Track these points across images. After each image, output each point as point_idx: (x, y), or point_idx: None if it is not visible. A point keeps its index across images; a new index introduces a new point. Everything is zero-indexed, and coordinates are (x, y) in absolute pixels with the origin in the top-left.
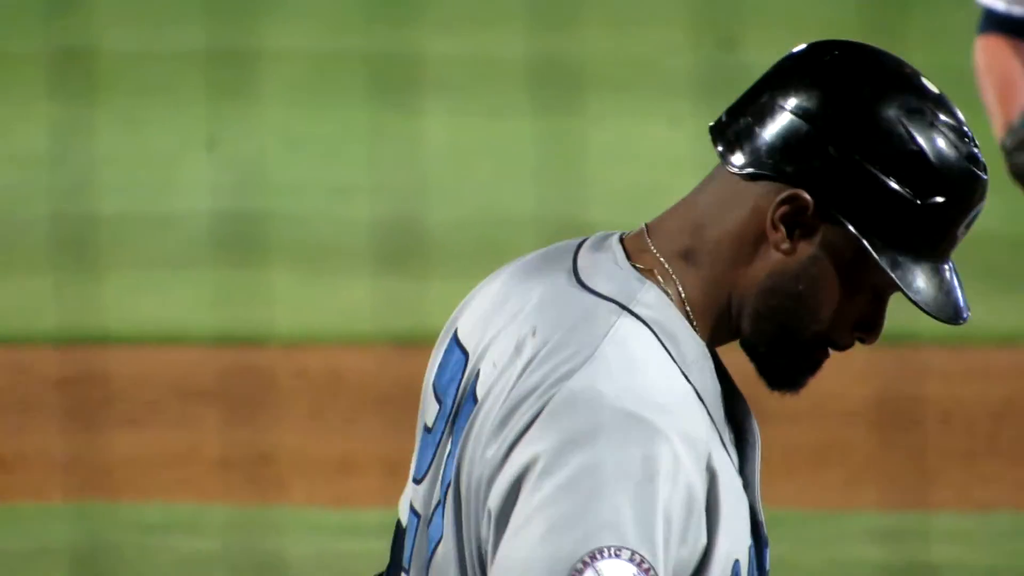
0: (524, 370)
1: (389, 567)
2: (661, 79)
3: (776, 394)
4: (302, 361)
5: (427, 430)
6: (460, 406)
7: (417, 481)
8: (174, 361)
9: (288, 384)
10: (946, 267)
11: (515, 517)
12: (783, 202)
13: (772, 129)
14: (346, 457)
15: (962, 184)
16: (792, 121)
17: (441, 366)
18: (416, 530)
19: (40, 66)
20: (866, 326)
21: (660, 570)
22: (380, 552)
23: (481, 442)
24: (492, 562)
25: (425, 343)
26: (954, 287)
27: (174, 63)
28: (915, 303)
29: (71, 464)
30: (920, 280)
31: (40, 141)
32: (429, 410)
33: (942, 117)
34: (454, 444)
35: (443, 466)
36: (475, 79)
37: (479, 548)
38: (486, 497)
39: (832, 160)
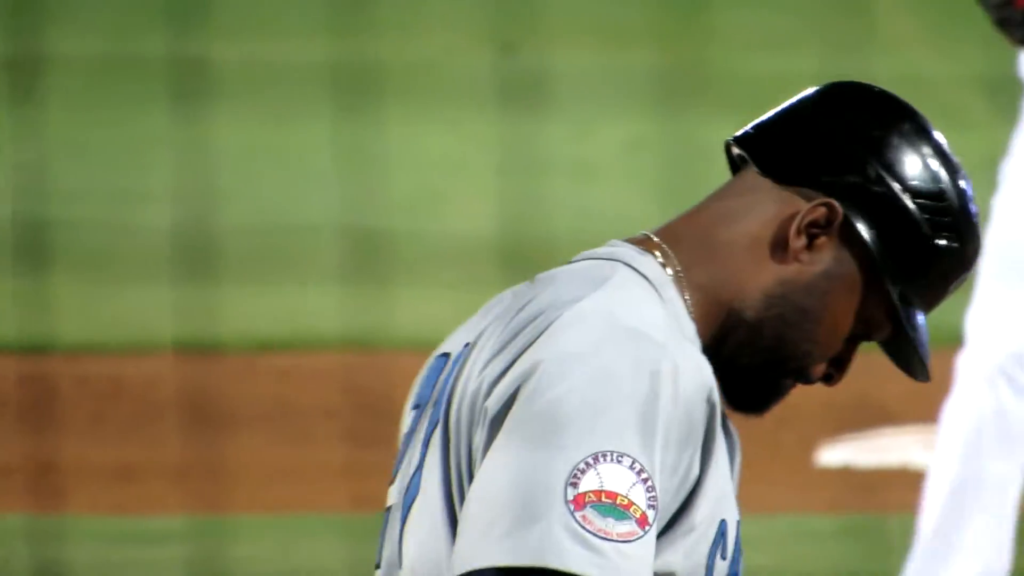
0: (527, 303)
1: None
2: (446, 84)
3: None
4: (85, 369)
5: (403, 439)
6: (445, 379)
7: (391, 482)
8: None
9: (70, 392)
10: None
11: (516, 416)
12: (814, 209)
13: (814, 140)
14: (127, 465)
15: (972, 236)
16: (837, 135)
17: (421, 383)
18: (387, 520)
19: None
20: (840, 362)
21: (656, 484)
22: (160, 560)
23: (478, 366)
24: (486, 457)
25: (214, 349)
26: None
27: None
28: (911, 341)
29: None
30: (916, 321)
31: None
32: (405, 422)
33: (960, 171)
34: (437, 407)
35: (423, 433)
36: (264, 84)
37: (469, 467)
38: (483, 405)
39: (869, 179)
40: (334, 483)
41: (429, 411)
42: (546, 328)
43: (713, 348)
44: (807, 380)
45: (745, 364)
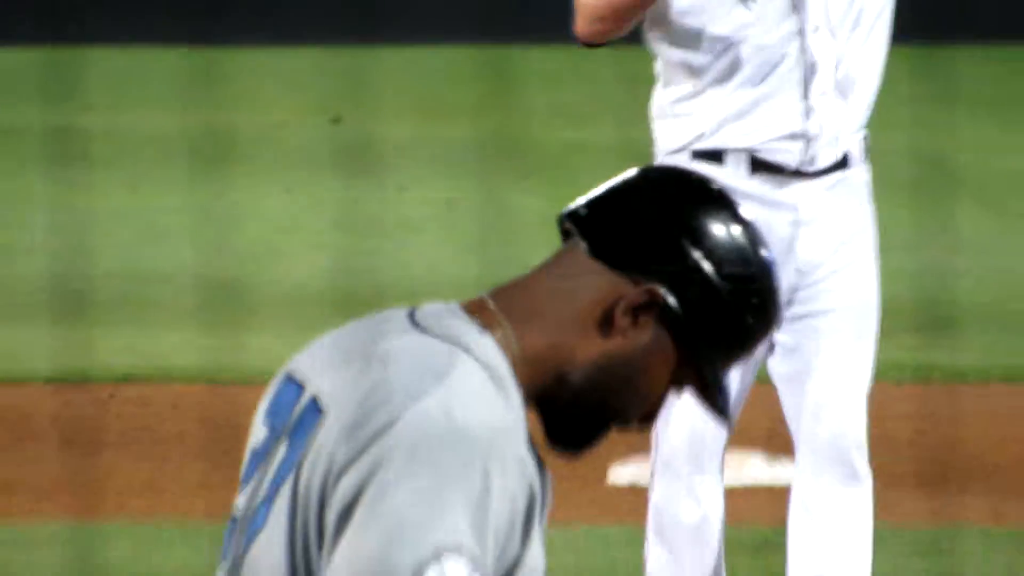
0: (374, 387)
1: None
2: (285, 151)
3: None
4: None
5: (253, 452)
6: (300, 419)
7: (239, 491)
8: None
9: None
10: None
11: (362, 515)
12: (640, 294)
13: (640, 230)
14: (5, 480)
15: (775, 312)
16: (661, 226)
17: (272, 401)
18: (232, 533)
19: None
20: (653, 413)
21: (488, 570)
22: (37, 562)
23: (330, 440)
24: (335, 551)
25: (84, 380)
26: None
27: None
28: (714, 396)
29: None
30: (720, 379)
31: None
32: (257, 435)
33: (769, 252)
34: (292, 448)
35: (274, 468)
36: (127, 151)
37: (317, 536)
38: (332, 490)
39: (688, 268)
40: (190, 496)
41: (283, 445)
42: (389, 428)
43: (543, 405)
44: (625, 429)
45: (570, 420)
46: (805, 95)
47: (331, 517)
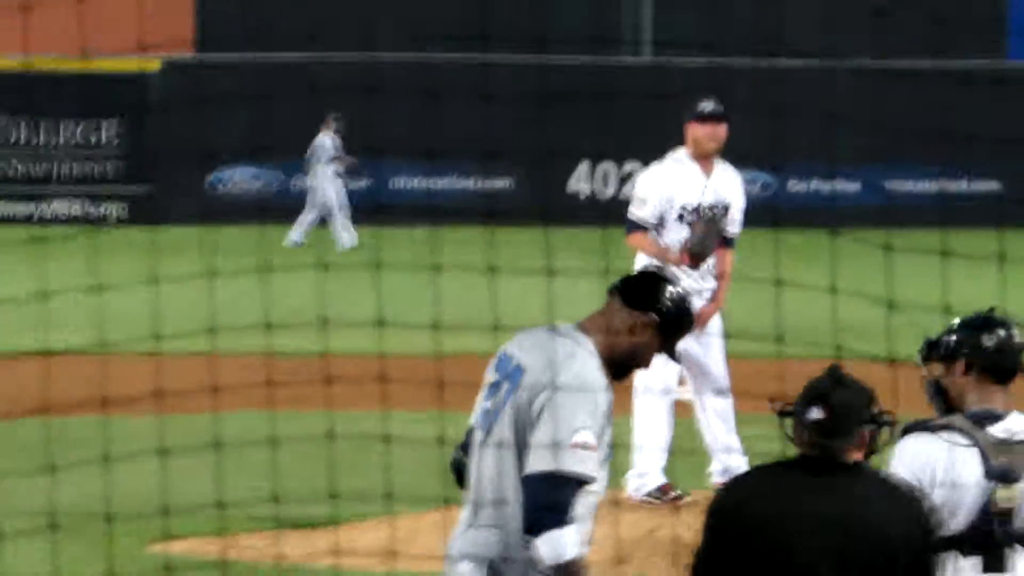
0: (546, 361)
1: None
2: None
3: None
4: None
5: (488, 386)
6: (512, 373)
7: (485, 407)
8: None
9: None
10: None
11: (547, 415)
12: (648, 318)
13: (643, 293)
14: None
15: (691, 324)
16: (649, 289)
17: (496, 364)
18: (470, 435)
19: None
20: (648, 365)
21: (600, 445)
22: None
23: (529, 383)
24: (535, 432)
25: None
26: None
27: None
28: (675, 355)
29: None
30: (676, 345)
31: None
32: (489, 379)
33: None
34: (511, 387)
35: (503, 394)
36: None
37: (525, 424)
38: (533, 404)
39: (664, 306)
40: None
41: (506, 384)
42: (555, 379)
43: (609, 366)
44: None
45: (619, 370)
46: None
47: (533, 416)
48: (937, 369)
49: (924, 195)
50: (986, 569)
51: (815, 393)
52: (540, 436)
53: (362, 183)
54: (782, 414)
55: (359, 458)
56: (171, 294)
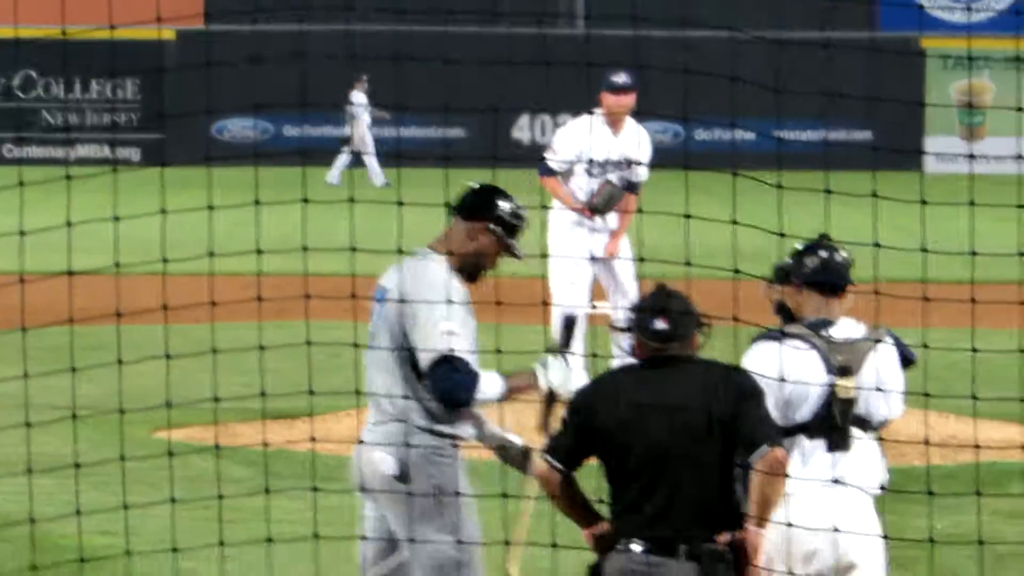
0: (401, 278)
1: None
2: None
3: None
4: None
5: (374, 311)
6: (380, 296)
7: (369, 329)
8: None
9: None
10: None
11: (412, 316)
12: (483, 225)
13: (479, 204)
14: None
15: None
16: (485, 199)
17: (375, 294)
18: (368, 351)
19: None
20: (494, 267)
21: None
22: None
23: (393, 302)
24: (412, 338)
25: None
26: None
27: None
28: (516, 254)
29: None
30: (516, 245)
31: None
32: (373, 305)
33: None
34: (381, 306)
35: (376, 315)
36: None
37: (401, 340)
38: (400, 319)
39: (501, 212)
40: None
41: (377, 309)
42: (415, 284)
43: (459, 273)
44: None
45: (469, 274)
46: None
47: (406, 324)
48: (780, 290)
49: (809, 143)
50: (829, 449)
51: (656, 308)
52: (418, 337)
53: (337, 132)
54: (613, 328)
55: (333, 361)
56: (176, 224)
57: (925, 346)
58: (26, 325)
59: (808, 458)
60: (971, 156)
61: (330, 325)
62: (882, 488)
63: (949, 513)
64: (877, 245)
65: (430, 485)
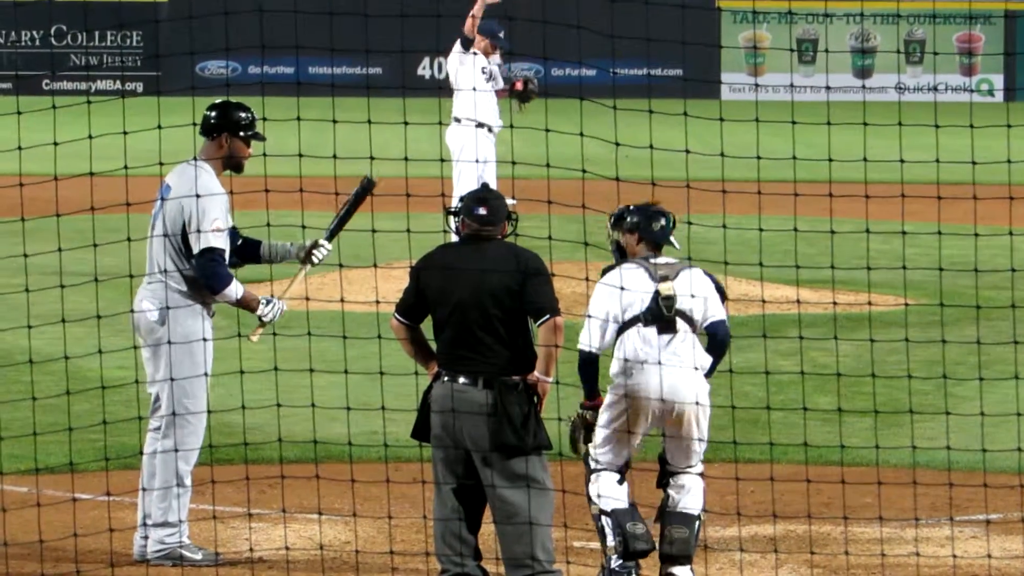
0: (178, 179)
1: None
2: None
3: None
4: None
5: (157, 199)
6: (164, 190)
7: (153, 212)
8: None
9: None
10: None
11: (193, 216)
12: (224, 136)
13: (216, 125)
14: None
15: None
16: (221, 119)
17: (161, 190)
18: (149, 227)
19: None
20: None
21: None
22: None
23: (172, 198)
24: (190, 228)
25: None
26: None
27: None
28: (259, 138)
29: None
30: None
31: None
32: (157, 199)
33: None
34: (163, 198)
35: (158, 204)
36: None
37: (175, 222)
38: (181, 212)
39: (229, 124)
40: None
41: (160, 200)
42: (191, 186)
43: (223, 170)
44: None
45: (234, 168)
46: None
47: (185, 218)
48: (618, 234)
49: (636, 76)
50: (660, 332)
51: (479, 199)
52: (193, 227)
53: (288, 70)
54: (447, 212)
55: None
56: (169, 137)
57: (724, 227)
58: (59, 212)
59: (648, 341)
60: (756, 87)
61: (284, 213)
62: (705, 372)
63: (742, 352)
64: (687, 151)
65: (182, 332)
